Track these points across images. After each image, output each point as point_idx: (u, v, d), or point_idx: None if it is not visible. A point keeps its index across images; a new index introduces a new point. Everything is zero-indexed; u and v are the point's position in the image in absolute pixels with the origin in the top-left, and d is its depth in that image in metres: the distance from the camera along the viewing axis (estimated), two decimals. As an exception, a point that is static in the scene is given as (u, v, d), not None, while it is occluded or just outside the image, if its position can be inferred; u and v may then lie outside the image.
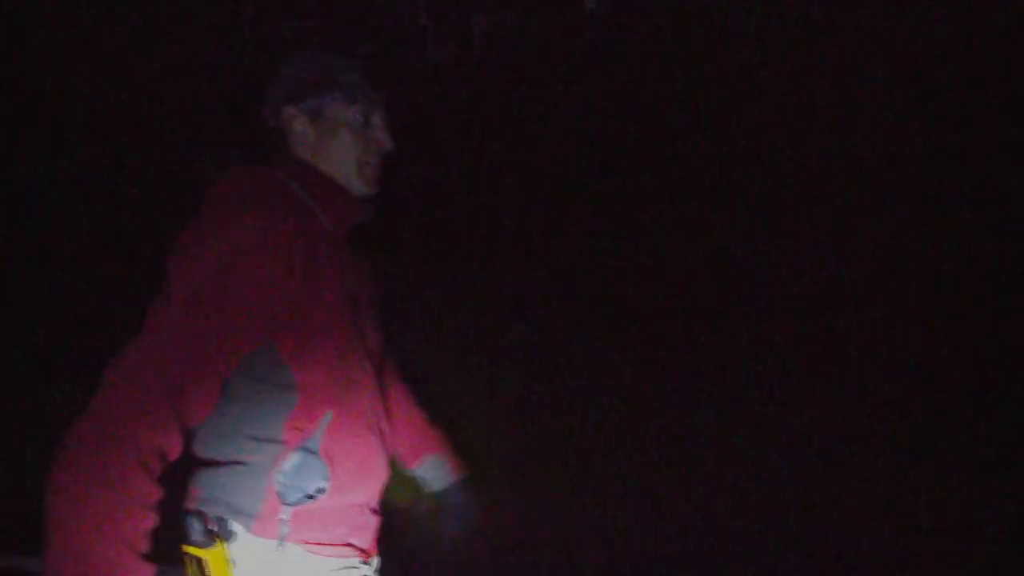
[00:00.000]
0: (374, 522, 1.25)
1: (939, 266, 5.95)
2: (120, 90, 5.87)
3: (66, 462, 0.95)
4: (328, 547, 1.13)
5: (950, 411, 5.16)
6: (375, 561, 1.27)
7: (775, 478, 4.18)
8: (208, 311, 1.00)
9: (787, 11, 5.74)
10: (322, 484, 1.09)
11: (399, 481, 1.45)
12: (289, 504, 1.08)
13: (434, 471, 1.59)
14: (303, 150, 1.23)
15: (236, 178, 1.16)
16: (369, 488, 1.21)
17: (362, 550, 1.21)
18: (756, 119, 6.44)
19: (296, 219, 1.09)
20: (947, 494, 3.93)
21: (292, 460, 1.07)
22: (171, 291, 1.02)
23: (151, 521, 1.00)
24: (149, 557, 0.99)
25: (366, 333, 1.24)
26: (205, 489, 1.13)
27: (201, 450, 1.14)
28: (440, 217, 6.13)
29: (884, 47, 5.87)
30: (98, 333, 5.74)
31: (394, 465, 1.35)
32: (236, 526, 1.10)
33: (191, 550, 1.12)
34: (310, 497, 1.08)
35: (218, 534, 1.11)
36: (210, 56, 5.89)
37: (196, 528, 1.11)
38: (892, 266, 6.13)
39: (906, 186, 6.11)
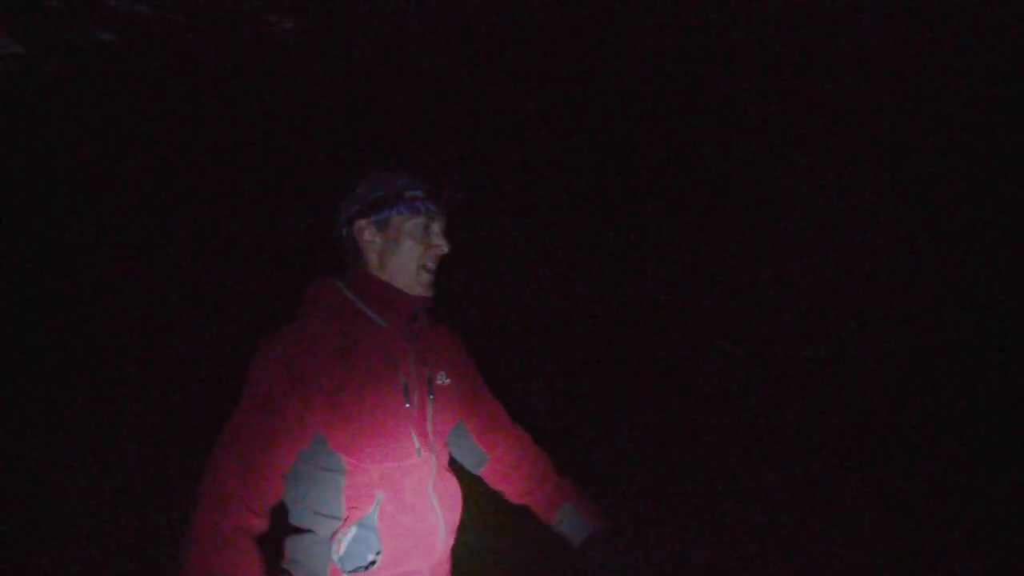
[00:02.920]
0: None
1: (939, 266, 5.96)
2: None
3: (189, 525, 1.22)
4: None
5: (950, 410, 5.16)
6: None
7: (775, 478, 4.18)
8: (268, 414, 1.25)
9: (787, 11, 5.74)
10: (374, 556, 1.29)
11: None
12: (348, 571, 1.29)
13: (571, 522, 1.62)
14: (371, 256, 1.42)
15: (309, 290, 1.43)
16: (423, 560, 1.36)
17: None
18: (756, 119, 6.44)
19: (339, 328, 1.33)
20: (947, 494, 3.93)
21: (349, 533, 1.29)
22: (245, 391, 1.29)
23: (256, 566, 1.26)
24: None
25: (427, 413, 1.41)
26: (290, 551, 1.36)
27: (289, 518, 1.37)
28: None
29: (885, 48, 5.87)
30: (97, 333, 5.75)
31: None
32: None
33: None
34: (365, 567, 1.29)
35: None
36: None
37: None
38: (892, 266, 6.14)
39: (906, 186, 6.12)
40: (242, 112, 6.11)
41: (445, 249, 1.43)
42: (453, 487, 1.47)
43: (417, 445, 1.36)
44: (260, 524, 1.26)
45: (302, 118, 6.35)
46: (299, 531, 1.35)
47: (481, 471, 1.67)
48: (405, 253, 1.40)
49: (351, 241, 1.43)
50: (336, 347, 1.31)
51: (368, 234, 1.41)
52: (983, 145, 5.82)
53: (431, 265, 1.42)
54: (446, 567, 1.46)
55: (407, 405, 1.36)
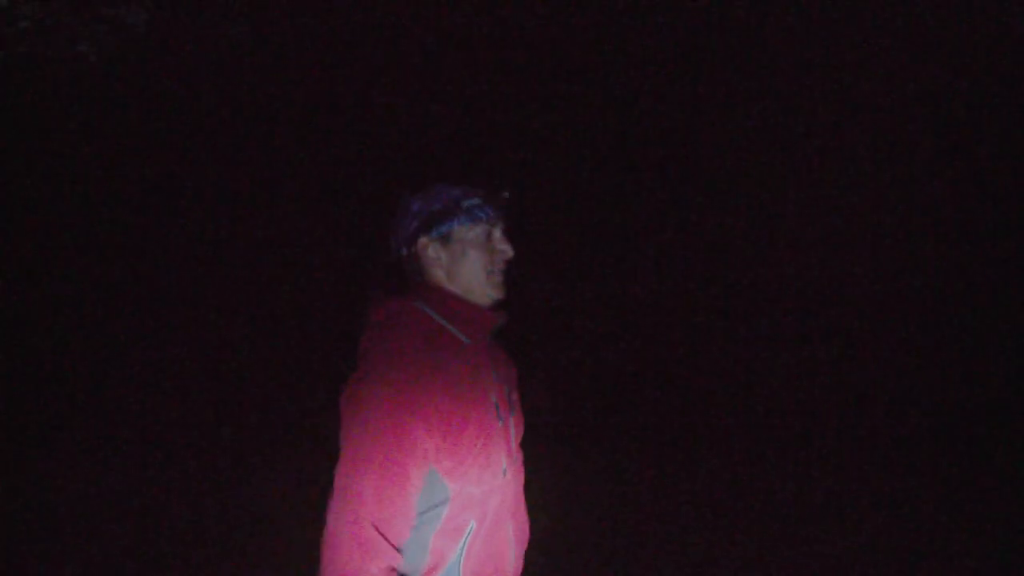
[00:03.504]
0: None
1: (939, 266, 5.96)
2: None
3: (333, 566, 1.21)
4: None
5: (950, 410, 5.16)
6: None
7: (775, 478, 4.18)
8: (395, 458, 1.21)
9: (787, 12, 5.74)
10: None
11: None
12: None
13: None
14: (438, 272, 1.38)
15: (381, 313, 1.36)
16: None
17: None
18: (756, 119, 6.44)
19: (436, 351, 1.29)
20: (947, 494, 3.93)
21: (442, 567, 1.29)
22: (368, 428, 1.22)
23: None
24: None
25: (510, 431, 1.40)
26: None
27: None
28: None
29: (885, 49, 5.87)
30: (98, 334, 5.75)
31: None
32: None
33: None
34: None
35: None
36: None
37: None
38: (892, 266, 6.14)
39: (906, 187, 6.12)
40: (242, 112, 6.11)
41: (510, 253, 1.41)
42: (523, 512, 1.47)
43: (504, 465, 1.36)
44: (399, 561, 1.25)
45: (302, 119, 6.35)
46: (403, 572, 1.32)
47: None
48: (473, 263, 1.37)
49: (414, 260, 1.40)
50: (437, 370, 1.27)
51: (432, 251, 1.37)
52: (983, 145, 5.82)
53: (499, 270, 1.40)
54: None
55: (499, 423, 1.35)
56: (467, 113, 6.49)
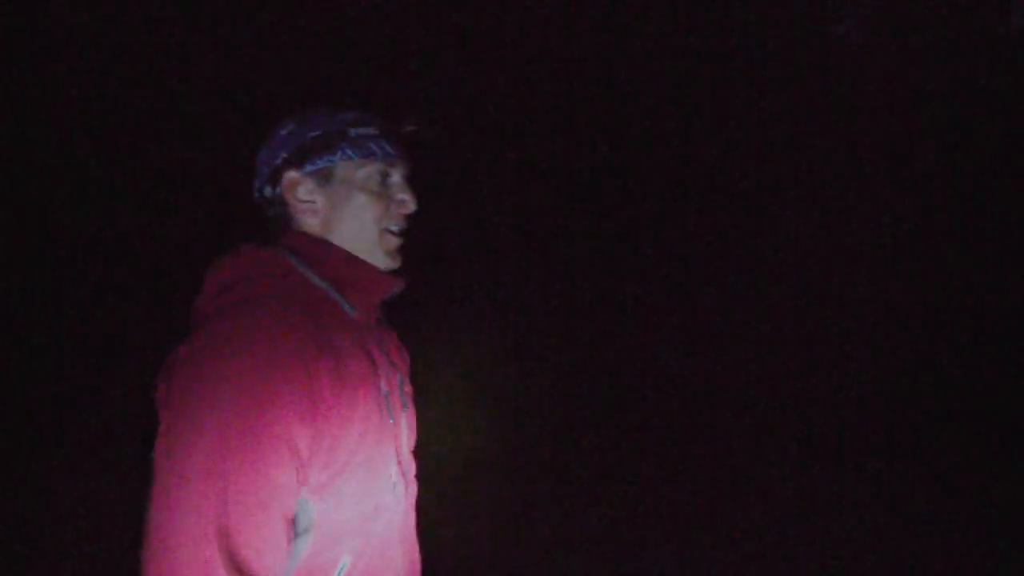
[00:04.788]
0: None
1: (940, 265, 5.96)
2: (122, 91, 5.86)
3: None
4: None
5: (950, 410, 5.16)
6: None
7: (775, 478, 4.18)
8: (256, 469, 0.83)
9: (787, 13, 5.74)
10: None
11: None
12: None
13: None
14: (310, 220, 1.03)
15: (231, 269, 0.98)
16: None
17: None
18: (756, 120, 6.44)
19: (315, 326, 0.92)
20: (947, 494, 3.93)
21: None
22: (187, 449, 0.83)
23: None
24: None
25: (402, 433, 1.07)
26: None
27: None
28: (439, 216, 6.12)
29: (885, 51, 5.88)
30: (96, 334, 5.74)
31: None
32: None
33: None
34: None
35: None
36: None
37: None
38: (892, 266, 6.13)
39: (906, 187, 6.11)
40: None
41: (412, 206, 1.06)
42: (412, 532, 1.13)
43: (394, 477, 1.01)
44: None
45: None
46: None
47: None
48: (359, 213, 1.02)
49: (278, 203, 1.04)
50: (316, 341, 0.90)
51: (303, 191, 1.02)
52: (984, 145, 5.82)
53: (395, 228, 1.05)
54: None
55: (390, 421, 1.01)
56: (467, 112, 6.49)
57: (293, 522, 0.89)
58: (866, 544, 3.37)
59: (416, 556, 1.15)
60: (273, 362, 0.85)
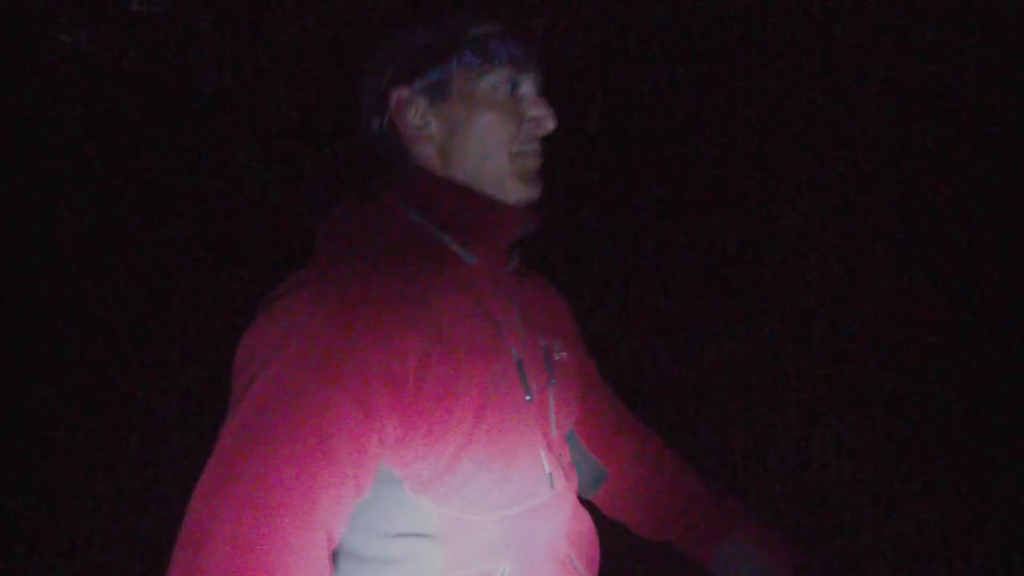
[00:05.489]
0: None
1: (940, 266, 5.95)
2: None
3: None
4: None
5: (951, 410, 5.16)
6: None
7: (774, 478, 4.18)
8: (289, 464, 0.65)
9: (788, 12, 5.73)
10: None
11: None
12: None
13: (741, 565, 1.03)
14: (426, 148, 0.83)
15: (331, 223, 0.84)
16: None
17: None
18: (756, 119, 6.44)
19: (418, 271, 0.75)
20: (947, 494, 3.93)
21: None
22: (263, 396, 0.69)
23: None
24: None
25: (552, 412, 0.84)
26: None
27: None
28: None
29: (885, 47, 5.87)
30: (98, 334, 5.74)
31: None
32: None
33: None
34: None
35: None
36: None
37: None
38: (893, 266, 6.13)
39: (906, 187, 6.11)
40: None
41: (550, 123, 0.84)
42: (588, 529, 0.92)
43: (547, 467, 0.80)
44: None
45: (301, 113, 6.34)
46: None
47: (595, 495, 1.10)
48: (484, 136, 0.81)
49: (389, 135, 0.85)
50: (412, 308, 0.72)
51: (414, 113, 0.82)
52: (986, 144, 5.82)
53: (531, 148, 0.84)
54: None
55: (527, 398, 0.79)
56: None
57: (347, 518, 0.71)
58: (867, 544, 3.37)
59: (595, 554, 0.94)
60: (356, 322, 0.67)
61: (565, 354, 0.91)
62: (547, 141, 0.89)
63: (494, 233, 0.81)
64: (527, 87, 0.84)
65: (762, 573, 1.04)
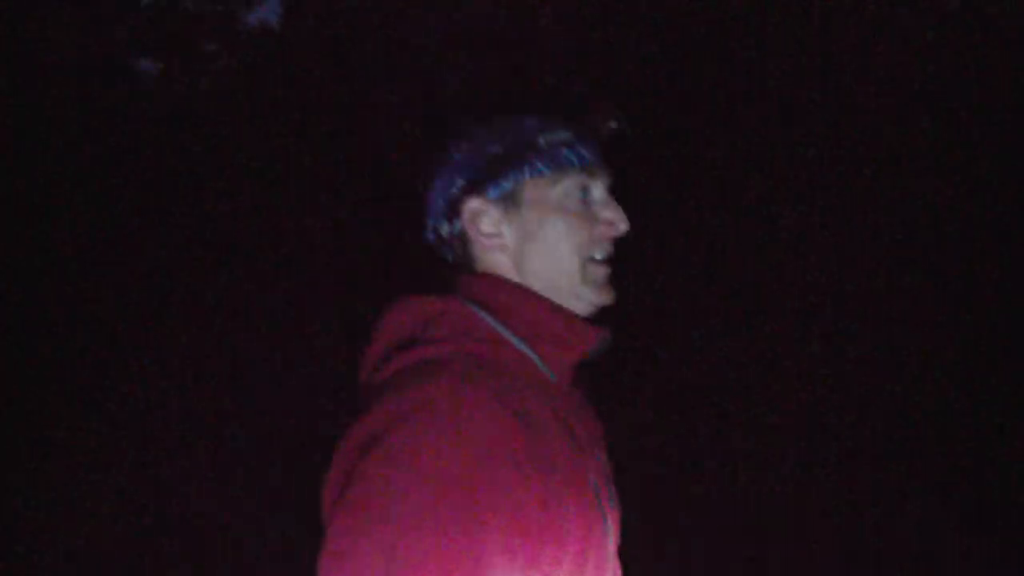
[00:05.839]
0: None
1: (940, 266, 5.96)
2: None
3: None
4: None
5: (950, 410, 5.16)
6: None
7: (774, 478, 4.18)
8: (473, 543, 0.65)
9: (788, 11, 5.74)
10: None
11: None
12: None
13: None
14: (499, 258, 0.83)
15: (403, 325, 0.80)
16: None
17: None
18: (756, 119, 6.44)
19: (513, 388, 0.74)
20: (947, 494, 3.93)
21: None
22: (413, 497, 0.65)
23: None
24: None
25: (608, 516, 0.84)
26: None
27: None
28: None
29: (885, 47, 5.87)
30: (97, 332, 5.74)
31: None
32: None
33: None
34: None
35: None
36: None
37: None
38: (893, 266, 6.13)
39: (907, 187, 6.11)
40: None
41: (623, 226, 0.84)
42: None
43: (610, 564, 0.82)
44: None
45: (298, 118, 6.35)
46: None
47: None
48: (556, 243, 0.81)
49: (459, 242, 0.85)
50: (523, 425, 0.71)
51: (488, 222, 0.82)
52: (984, 144, 5.82)
53: (600, 256, 0.84)
54: None
55: (605, 523, 0.80)
56: (466, 112, 6.49)
57: None
58: (865, 544, 3.37)
59: None
60: (481, 454, 0.66)
61: (610, 468, 0.93)
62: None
63: (568, 351, 0.82)
64: (598, 191, 0.85)
65: None
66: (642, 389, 5.85)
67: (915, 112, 5.97)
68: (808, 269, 6.37)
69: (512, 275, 0.82)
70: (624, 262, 0.87)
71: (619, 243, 0.86)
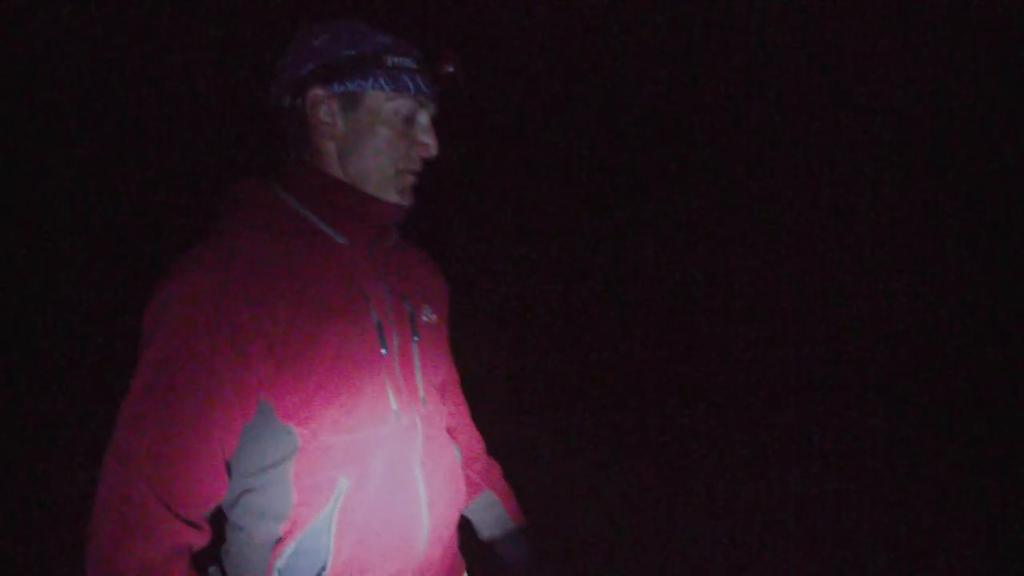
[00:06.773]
0: None
1: (940, 265, 5.96)
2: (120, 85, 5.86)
3: (93, 559, 0.88)
4: None
5: (950, 410, 5.16)
6: None
7: (773, 478, 4.18)
8: (195, 377, 0.87)
9: (788, 11, 5.74)
10: (321, 569, 0.94)
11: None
12: None
13: (488, 514, 1.29)
14: (327, 143, 1.00)
15: (219, 200, 1.01)
16: (399, 561, 1.00)
17: None
18: (756, 119, 6.44)
19: (281, 249, 0.94)
20: (947, 494, 3.93)
21: (295, 539, 0.94)
22: (151, 348, 0.88)
23: None
24: None
25: (410, 362, 1.03)
26: (219, 555, 1.01)
27: (219, 523, 1.00)
28: (437, 214, 6.11)
29: (885, 47, 5.87)
30: (98, 334, 5.74)
31: None
32: None
33: None
34: None
35: None
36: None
37: None
38: (893, 265, 6.13)
39: (906, 187, 6.11)
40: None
41: (434, 151, 1.03)
42: (449, 463, 1.08)
43: (395, 406, 0.99)
44: (200, 539, 0.90)
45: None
46: (229, 537, 0.99)
47: None
48: (380, 147, 0.99)
49: (297, 117, 1.00)
50: (279, 274, 0.92)
51: (326, 111, 0.98)
52: (984, 144, 5.82)
53: (414, 167, 1.03)
54: (437, 573, 1.07)
55: (382, 351, 0.99)
56: (465, 112, 6.49)
57: (238, 452, 0.93)
58: (866, 544, 3.38)
59: (459, 486, 1.11)
60: (217, 289, 0.88)
61: (435, 316, 1.12)
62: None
63: (363, 221, 1.01)
64: (423, 117, 1.03)
65: (500, 523, 1.28)
66: (642, 389, 5.86)
67: (915, 112, 5.97)
68: (808, 269, 6.37)
69: (333, 159, 1.00)
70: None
71: (428, 163, 1.04)
